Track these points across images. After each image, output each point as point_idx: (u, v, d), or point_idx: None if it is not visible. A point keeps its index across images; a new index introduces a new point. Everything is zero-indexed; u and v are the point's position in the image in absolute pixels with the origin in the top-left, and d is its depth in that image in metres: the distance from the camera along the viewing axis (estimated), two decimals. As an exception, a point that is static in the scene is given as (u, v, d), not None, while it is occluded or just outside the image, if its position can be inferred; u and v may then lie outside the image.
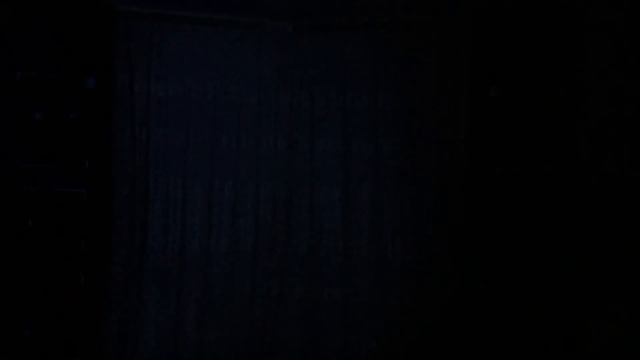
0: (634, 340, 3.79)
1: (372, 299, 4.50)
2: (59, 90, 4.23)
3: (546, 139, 4.21)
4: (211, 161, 4.50)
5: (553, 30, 4.19)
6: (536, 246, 4.18)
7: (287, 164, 4.56)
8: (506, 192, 4.26)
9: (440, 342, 4.39)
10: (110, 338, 4.31)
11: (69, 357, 4.17)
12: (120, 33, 4.38)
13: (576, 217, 4.11)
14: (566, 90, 4.18)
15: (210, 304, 4.44)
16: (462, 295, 4.34)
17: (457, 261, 4.38)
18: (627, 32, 4.00)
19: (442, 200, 4.46)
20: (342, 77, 4.57)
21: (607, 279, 3.96)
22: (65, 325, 4.17)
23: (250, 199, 4.53)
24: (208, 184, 4.50)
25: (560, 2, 4.18)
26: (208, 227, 4.47)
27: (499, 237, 4.26)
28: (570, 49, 4.17)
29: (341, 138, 4.57)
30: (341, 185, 4.56)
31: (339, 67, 4.57)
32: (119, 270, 4.34)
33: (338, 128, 4.57)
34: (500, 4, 4.27)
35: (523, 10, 4.24)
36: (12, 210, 4.14)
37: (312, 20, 4.56)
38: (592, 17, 4.11)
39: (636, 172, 3.94)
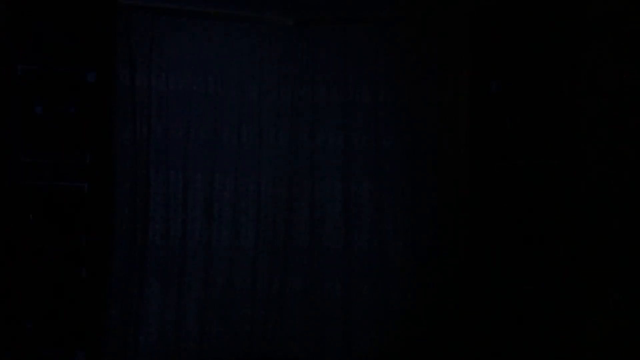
0: (633, 333, 3.80)
1: (372, 294, 4.51)
2: (59, 84, 4.23)
3: (547, 133, 4.22)
4: (212, 155, 4.50)
5: (554, 25, 4.19)
6: (536, 241, 4.19)
7: (288, 159, 4.57)
8: (507, 186, 4.27)
9: (441, 336, 4.40)
10: (112, 331, 4.31)
11: (71, 350, 4.19)
12: (121, 27, 4.36)
13: (577, 211, 4.11)
14: (567, 84, 4.18)
15: (211, 297, 4.45)
16: (462, 290, 4.35)
17: (457, 256, 4.39)
18: (628, 26, 3.99)
19: (443, 195, 4.46)
20: (343, 72, 4.57)
21: (607, 274, 3.97)
22: (68, 318, 4.19)
23: (251, 193, 4.53)
24: (209, 178, 4.50)
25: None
26: (209, 221, 4.48)
27: (499, 231, 4.27)
28: (571, 43, 4.16)
29: (342, 132, 4.57)
30: (342, 180, 4.56)
31: (340, 61, 4.57)
32: (120, 264, 4.33)
33: (339, 122, 4.58)
34: (501, -1, 4.28)
35: (523, 4, 4.24)
36: (14, 204, 4.14)
37: (313, 15, 4.56)
38: (593, 11, 4.10)
39: (637, 166, 3.94)
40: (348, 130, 4.56)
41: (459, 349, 4.33)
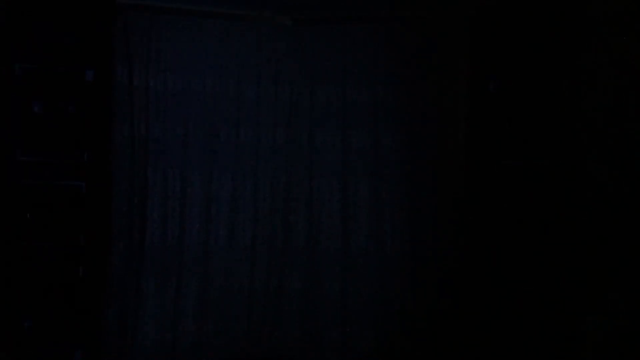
0: (632, 333, 3.80)
1: (371, 293, 4.50)
2: (57, 83, 4.23)
3: (545, 133, 4.22)
4: (210, 155, 4.49)
5: (553, 25, 4.19)
6: (534, 240, 4.20)
7: (286, 158, 4.56)
8: (505, 186, 4.27)
9: (439, 335, 4.41)
10: (110, 330, 4.31)
11: (69, 349, 4.20)
12: (119, 26, 4.35)
13: (574, 211, 4.11)
14: (566, 84, 4.18)
15: (209, 296, 4.45)
16: (461, 289, 4.35)
17: (456, 255, 4.39)
18: (627, 26, 3.98)
19: (441, 194, 4.46)
20: (341, 71, 4.56)
21: (605, 273, 3.96)
22: (65, 317, 4.20)
23: (249, 192, 4.53)
24: (207, 178, 4.49)
25: (560, -4, 4.18)
26: (207, 220, 4.47)
27: (498, 231, 4.27)
28: (571, 43, 4.16)
29: (340, 131, 4.56)
30: (340, 179, 4.55)
31: (339, 60, 4.56)
32: (118, 264, 4.33)
33: (337, 121, 4.57)
34: (500, -1, 4.27)
35: (522, 4, 4.23)
36: (11, 203, 4.15)
37: (311, 14, 4.55)
38: (592, 11, 4.10)
39: (636, 166, 3.94)
40: (346, 129, 4.55)
41: (457, 348, 4.33)
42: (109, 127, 4.30)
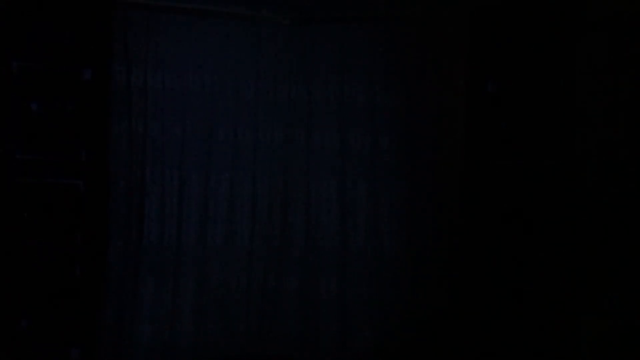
0: (629, 335, 3.80)
1: (368, 292, 4.51)
2: (55, 81, 4.21)
3: (543, 133, 4.22)
4: (208, 154, 4.48)
5: (551, 25, 4.19)
6: (532, 241, 4.20)
7: (284, 157, 4.56)
8: (503, 187, 4.27)
9: (437, 336, 4.41)
10: (107, 329, 4.30)
11: (67, 348, 4.18)
12: (117, 24, 4.34)
13: (573, 211, 4.11)
14: (563, 84, 4.18)
15: (207, 296, 4.44)
16: (458, 289, 4.36)
17: (453, 255, 4.39)
18: (625, 26, 3.99)
19: (439, 195, 4.47)
20: (339, 71, 4.56)
21: (604, 273, 3.97)
22: (63, 316, 4.18)
23: (247, 191, 4.52)
24: (205, 177, 4.48)
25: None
26: (204, 219, 4.47)
27: (495, 231, 4.27)
28: (569, 44, 4.16)
29: (338, 131, 4.56)
30: (338, 179, 4.56)
31: (337, 60, 4.56)
32: (115, 262, 4.33)
33: (335, 121, 4.57)
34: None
35: (521, 5, 4.24)
36: (8, 201, 4.14)
37: (310, 13, 4.55)
38: (591, 11, 4.10)
39: (633, 167, 3.94)
40: (344, 129, 4.56)
41: (454, 347, 4.34)
42: (106, 125, 4.29)
